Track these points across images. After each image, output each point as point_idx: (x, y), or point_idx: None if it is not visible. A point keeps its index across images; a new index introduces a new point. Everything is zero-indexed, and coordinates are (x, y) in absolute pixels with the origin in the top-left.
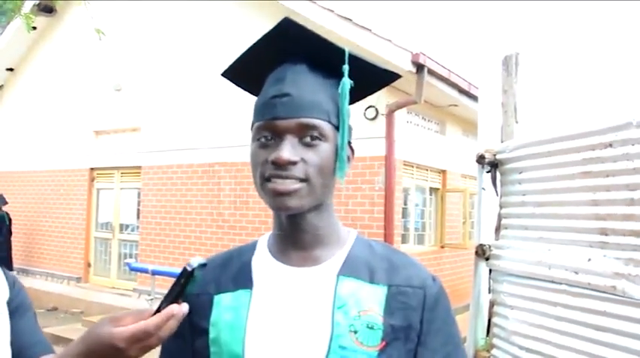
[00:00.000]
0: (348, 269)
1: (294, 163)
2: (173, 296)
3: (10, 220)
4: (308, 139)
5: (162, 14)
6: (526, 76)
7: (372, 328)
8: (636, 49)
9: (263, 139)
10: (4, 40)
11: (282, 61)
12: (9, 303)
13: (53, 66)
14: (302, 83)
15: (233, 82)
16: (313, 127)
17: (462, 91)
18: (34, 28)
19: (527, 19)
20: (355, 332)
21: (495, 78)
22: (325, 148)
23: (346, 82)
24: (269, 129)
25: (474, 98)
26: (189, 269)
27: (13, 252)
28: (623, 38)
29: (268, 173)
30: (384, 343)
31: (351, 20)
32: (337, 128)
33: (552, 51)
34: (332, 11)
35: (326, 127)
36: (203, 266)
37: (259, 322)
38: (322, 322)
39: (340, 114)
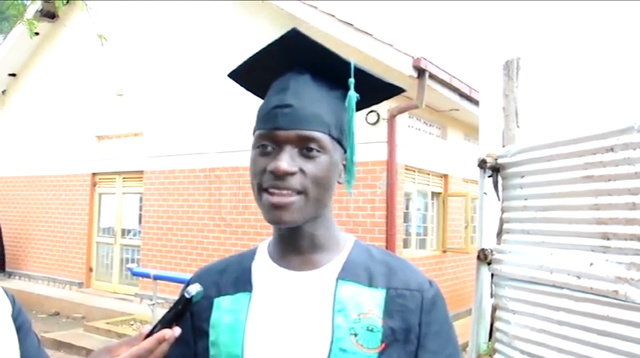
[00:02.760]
0: (347, 273)
1: (292, 174)
2: (167, 320)
3: None
4: (307, 151)
5: (164, 20)
6: (527, 81)
7: (371, 330)
8: (637, 53)
9: (262, 148)
10: (6, 45)
11: (287, 70)
12: (13, 320)
13: (55, 71)
14: (304, 94)
15: (238, 84)
16: (312, 139)
17: (463, 96)
18: (37, 33)
19: (528, 24)
20: (355, 334)
21: (496, 82)
22: (324, 160)
23: (353, 96)
24: (269, 139)
25: (475, 102)
26: (187, 296)
27: (13, 256)
28: (625, 42)
29: (266, 184)
30: (383, 345)
31: (352, 25)
32: (337, 140)
33: (553, 55)
34: (333, 16)
35: (325, 140)
36: (200, 293)
37: (258, 324)
38: (322, 325)
39: (348, 127)
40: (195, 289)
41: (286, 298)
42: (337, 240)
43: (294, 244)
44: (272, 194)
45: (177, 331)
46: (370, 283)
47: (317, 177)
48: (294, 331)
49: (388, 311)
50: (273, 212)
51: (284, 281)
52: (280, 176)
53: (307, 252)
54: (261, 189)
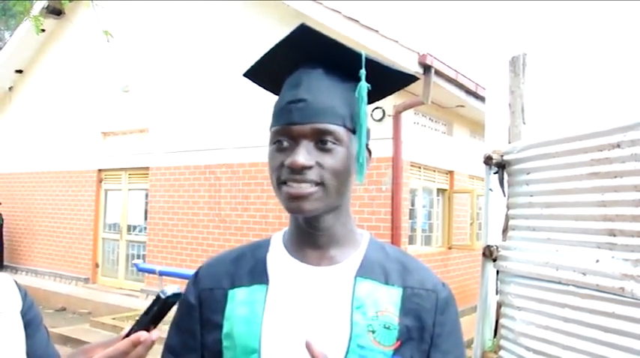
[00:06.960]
0: (365, 270)
1: (309, 168)
2: (144, 322)
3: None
4: (323, 144)
5: (170, 16)
6: (533, 77)
7: (388, 328)
8: None
9: (279, 143)
10: (13, 42)
11: (299, 65)
12: (22, 315)
13: (61, 68)
14: (317, 88)
15: (254, 82)
16: (328, 132)
17: (469, 92)
18: (43, 30)
19: (534, 20)
20: (373, 331)
21: (503, 79)
22: (340, 152)
23: (364, 87)
24: (285, 134)
25: (481, 99)
26: (162, 296)
27: (20, 252)
28: (631, 38)
29: (284, 177)
30: (399, 342)
31: (358, 21)
32: (353, 132)
33: (559, 51)
34: (339, 12)
35: (341, 132)
36: (177, 295)
37: (276, 318)
38: (341, 322)
39: (358, 118)
40: (171, 290)
41: (305, 293)
42: (354, 235)
43: (312, 238)
44: (290, 186)
45: (154, 334)
46: (387, 281)
47: (334, 169)
48: (313, 326)
49: (404, 310)
50: (292, 202)
51: (302, 275)
52: (297, 170)
53: (325, 246)
54: (280, 183)
